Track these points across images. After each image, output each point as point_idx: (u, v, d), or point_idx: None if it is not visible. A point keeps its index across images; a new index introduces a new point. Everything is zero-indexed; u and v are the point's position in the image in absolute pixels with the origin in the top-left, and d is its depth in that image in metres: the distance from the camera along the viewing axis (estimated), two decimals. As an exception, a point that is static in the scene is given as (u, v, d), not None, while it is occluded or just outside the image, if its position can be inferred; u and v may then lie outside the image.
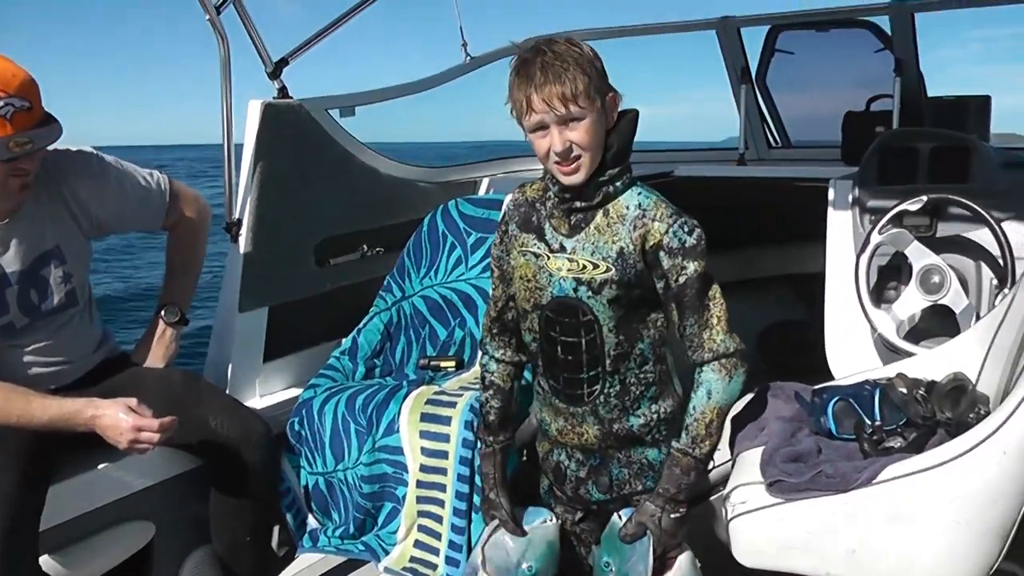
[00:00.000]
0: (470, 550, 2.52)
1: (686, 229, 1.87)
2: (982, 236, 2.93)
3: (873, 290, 3.00)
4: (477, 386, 2.45)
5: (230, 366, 3.04)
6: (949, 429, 2.10)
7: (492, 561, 2.14)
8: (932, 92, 4.39)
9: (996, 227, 2.83)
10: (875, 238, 2.96)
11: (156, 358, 2.73)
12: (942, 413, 2.16)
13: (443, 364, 3.09)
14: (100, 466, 2.50)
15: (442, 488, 2.63)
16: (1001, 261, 2.83)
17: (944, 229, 3.03)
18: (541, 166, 1.93)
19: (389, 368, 3.20)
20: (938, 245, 2.97)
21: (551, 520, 2.15)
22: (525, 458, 2.58)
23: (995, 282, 2.95)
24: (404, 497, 2.71)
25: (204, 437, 2.53)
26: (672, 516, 1.95)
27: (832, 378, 2.80)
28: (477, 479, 2.53)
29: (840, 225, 3.25)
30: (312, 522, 2.90)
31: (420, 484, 2.67)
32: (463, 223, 3.34)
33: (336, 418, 2.80)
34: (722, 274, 1.96)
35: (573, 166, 1.84)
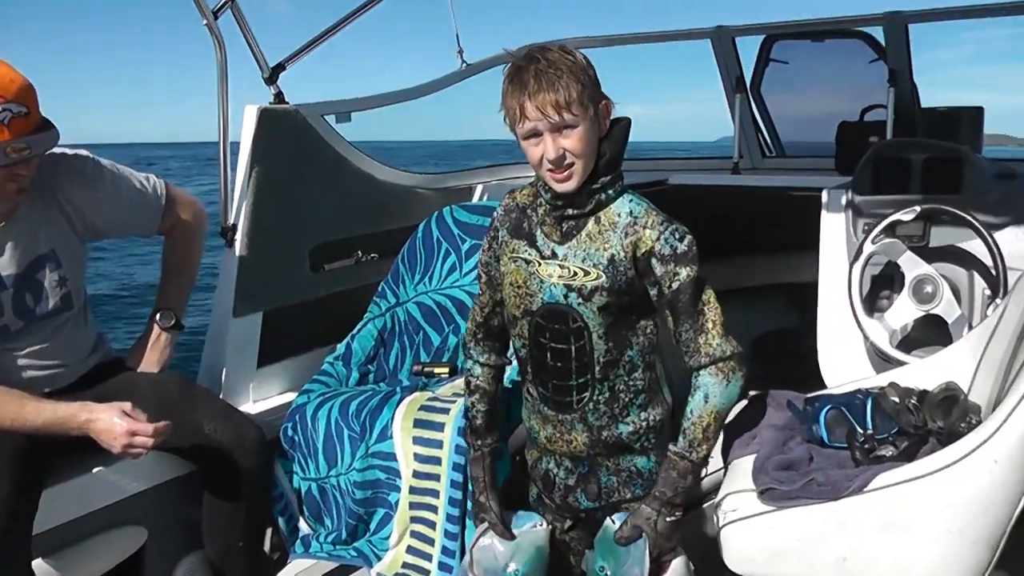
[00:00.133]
0: (463, 556, 2.53)
1: (677, 235, 1.88)
2: (975, 246, 2.94)
3: (866, 299, 3.01)
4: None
5: (224, 371, 3.04)
6: (941, 438, 2.10)
7: (480, 564, 2.15)
8: (926, 91, 4.41)
9: (988, 237, 2.84)
10: (868, 248, 2.97)
11: (150, 363, 2.72)
12: (934, 422, 2.16)
13: (437, 370, 3.09)
14: (94, 470, 2.50)
15: (435, 494, 2.63)
16: (993, 271, 2.85)
17: (937, 239, 3.04)
18: (535, 174, 1.94)
19: (383, 374, 3.20)
20: (931, 255, 2.98)
21: (541, 525, 2.16)
22: (513, 468, 2.59)
23: (987, 292, 2.96)
24: (397, 503, 2.71)
25: (198, 442, 2.53)
26: (668, 519, 1.96)
27: (825, 387, 2.80)
28: (471, 485, 2.54)
29: (833, 234, 3.26)
30: (304, 528, 2.90)
31: (413, 490, 2.67)
32: (458, 230, 3.34)
33: (329, 424, 2.80)
34: (715, 282, 1.97)
35: (566, 174, 1.85)
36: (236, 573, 2.70)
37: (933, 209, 2.96)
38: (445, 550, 2.61)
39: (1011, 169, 3.28)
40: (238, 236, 3.03)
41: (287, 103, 3.21)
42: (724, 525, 2.08)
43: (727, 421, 2.05)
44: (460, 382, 2.94)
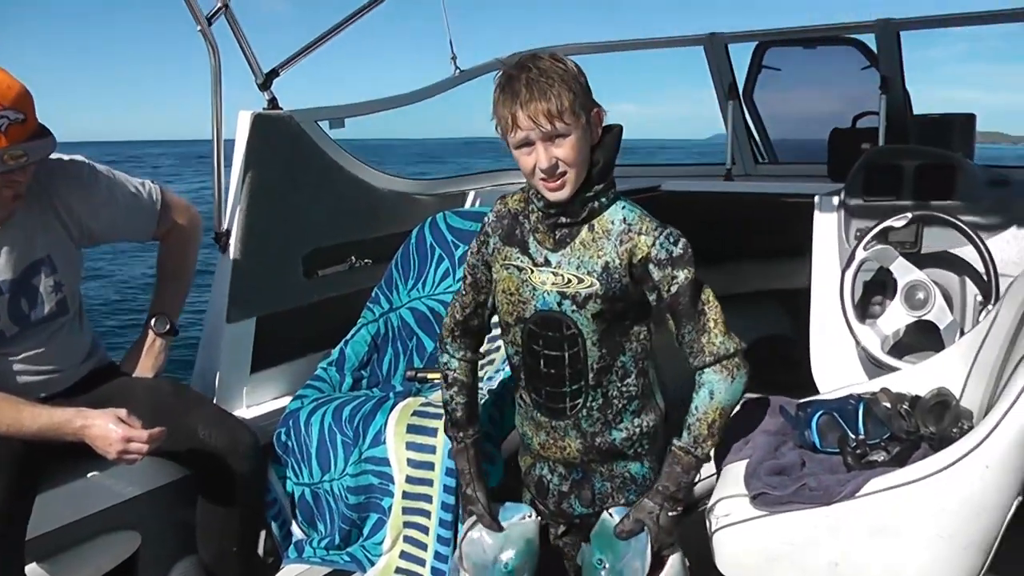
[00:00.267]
0: (456, 560, 2.53)
1: (672, 240, 1.88)
2: (966, 253, 2.96)
3: (858, 305, 3.02)
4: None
5: (218, 376, 3.04)
6: (932, 443, 2.11)
7: (469, 557, 2.14)
8: (918, 88, 4.43)
9: (980, 244, 2.86)
10: (860, 254, 2.98)
11: (145, 368, 2.73)
12: (926, 428, 2.17)
13: (430, 376, 3.08)
14: (88, 475, 2.50)
15: (428, 499, 2.64)
16: (985, 277, 2.86)
17: (929, 245, 3.05)
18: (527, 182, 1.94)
19: (376, 379, 3.21)
20: (923, 261, 3.00)
21: (530, 516, 2.15)
22: (506, 473, 2.59)
23: (979, 298, 2.98)
24: (390, 508, 2.71)
25: (192, 447, 2.53)
26: (670, 514, 1.96)
27: (817, 392, 2.82)
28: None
29: (825, 241, 3.27)
30: (298, 532, 2.90)
31: (406, 495, 2.67)
32: (451, 235, 3.35)
33: (323, 429, 2.80)
34: None
35: (559, 182, 1.84)
36: (230, 578, 2.70)
37: (925, 215, 2.98)
38: (438, 555, 2.61)
39: (1003, 176, 3.30)
40: (232, 241, 3.03)
41: (281, 108, 3.22)
42: (717, 530, 2.08)
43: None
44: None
